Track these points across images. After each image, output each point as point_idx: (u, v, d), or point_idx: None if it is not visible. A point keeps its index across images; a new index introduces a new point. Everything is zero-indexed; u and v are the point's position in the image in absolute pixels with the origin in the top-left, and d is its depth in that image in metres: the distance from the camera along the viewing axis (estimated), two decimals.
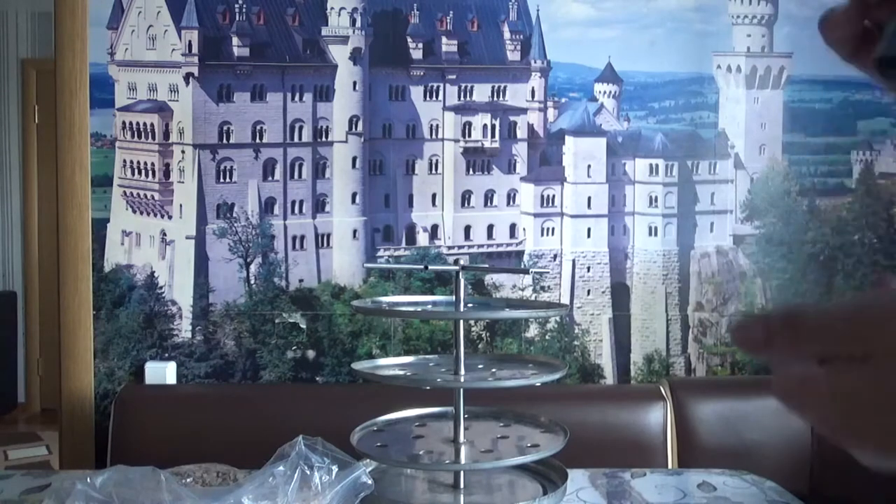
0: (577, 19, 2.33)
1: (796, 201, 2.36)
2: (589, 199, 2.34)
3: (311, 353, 2.28)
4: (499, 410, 1.47)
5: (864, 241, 2.36)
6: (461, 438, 1.33)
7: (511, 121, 2.33)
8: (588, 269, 2.34)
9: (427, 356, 1.67)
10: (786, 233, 2.36)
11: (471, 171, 2.34)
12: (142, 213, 2.28)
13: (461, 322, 1.34)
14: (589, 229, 2.34)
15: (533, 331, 2.33)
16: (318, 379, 2.28)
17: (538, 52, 2.32)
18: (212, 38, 2.26)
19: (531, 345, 2.33)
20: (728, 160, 2.36)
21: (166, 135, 2.26)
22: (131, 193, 2.27)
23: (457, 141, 2.33)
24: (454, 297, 1.36)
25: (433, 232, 2.33)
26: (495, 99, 2.33)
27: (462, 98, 2.32)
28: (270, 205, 2.29)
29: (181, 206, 2.27)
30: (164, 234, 2.27)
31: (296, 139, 2.29)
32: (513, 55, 2.33)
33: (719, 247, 2.36)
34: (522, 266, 2.33)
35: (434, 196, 2.33)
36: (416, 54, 2.31)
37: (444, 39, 2.32)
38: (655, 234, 2.35)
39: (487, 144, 2.33)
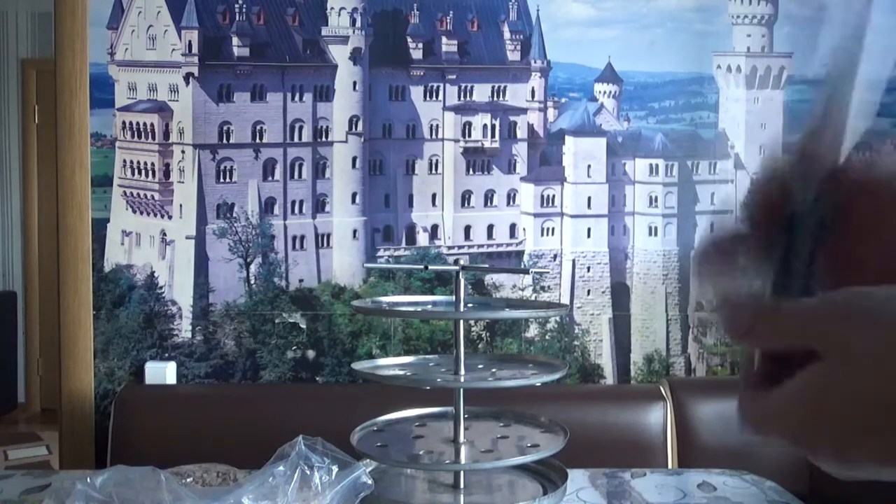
0: (577, 19, 2.33)
1: None
2: (589, 199, 2.34)
3: (311, 353, 2.28)
4: (499, 410, 1.47)
5: None
6: (461, 438, 1.33)
7: (511, 121, 2.33)
8: (588, 269, 2.34)
9: (427, 356, 1.67)
10: None
11: (471, 171, 2.34)
12: (142, 213, 2.28)
13: (461, 322, 1.34)
14: (589, 229, 2.34)
15: (533, 331, 2.33)
16: (318, 379, 2.28)
17: (538, 52, 2.32)
18: (212, 38, 2.26)
19: (531, 345, 2.33)
20: (728, 160, 2.36)
21: (166, 135, 2.26)
22: (131, 193, 2.27)
23: (457, 141, 2.33)
24: (454, 297, 1.36)
25: (433, 232, 2.33)
26: (495, 99, 2.33)
27: (462, 98, 2.32)
28: (270, 205, 2.29)
29: (181, 206, 2.27)
30: (164, 234, 2.27)
31: (296, 139, 2.29)
32: (513, 55, 2.33)
33: None
34: (522, 266, 2.33)
35: (434, 196, 2.33)
36: (416, 54, 2.31)
37: (444, 39, 2.32)
38: (655, 234, 2.35)
39: (487, 144, 2.33)
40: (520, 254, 2.34)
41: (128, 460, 1.18)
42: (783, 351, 0.44)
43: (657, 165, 2.35)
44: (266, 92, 2.28)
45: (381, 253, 2.31)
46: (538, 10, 2.32)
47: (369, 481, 1.17)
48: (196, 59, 2.24)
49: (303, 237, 2.30)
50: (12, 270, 5.50)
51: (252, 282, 2.27)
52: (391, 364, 1.47)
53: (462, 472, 1.35)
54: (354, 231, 2.31)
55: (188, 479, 1.29)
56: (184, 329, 2.26)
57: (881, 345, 0.40)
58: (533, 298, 2.31)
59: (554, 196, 2.34)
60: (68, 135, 2.20)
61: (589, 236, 2.34)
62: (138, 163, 2.27)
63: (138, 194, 2.28)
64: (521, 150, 2.34)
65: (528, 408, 1.47)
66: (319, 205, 2.30)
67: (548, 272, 2.33)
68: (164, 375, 2.21)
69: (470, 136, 2.33)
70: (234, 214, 2.28)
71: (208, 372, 2.26)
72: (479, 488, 1.37)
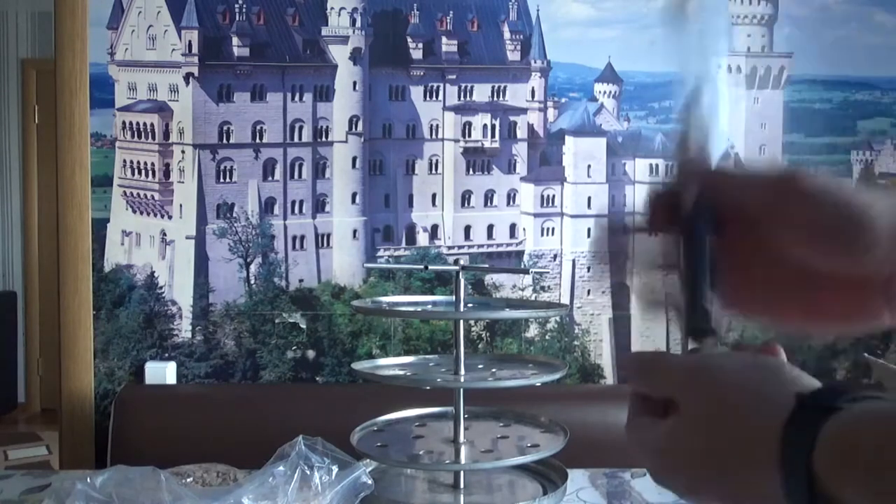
0: (577, 19, 2.33)
1: None
2: (589, 199, 2.34)
3: (311, 353, 2.28)
4: (499, 410, 1.47)
5: None
6: (461, 438, 1.33)
7: (511, 121, 2.33)
8: (588, 268, 2.34)
9: (427, 356, 1.67)
10: None
11: (471, 171, 2.34)
12: (142, 213, 2.28)
13: (461, 322, 1.34)
14: (589, 229, 2.34)
15: (533, 331, 2.33)
16: (318, 379, 2.28)
17: (538, 52, 2.32)
18: (212, 38, 2.26)
19: (531, 345, 2.33)
20: (728, 160, 2.36)
21: (166, 135, 2.26)
22: (131, 193, 2.27)
23: (457, 141, 2.33)
24: (454, 297, 1.36)
25: (433, 232, 2.33)
26: (495, 99, 2.33)
27: (462, 98, 2.32)
28: (270, 205, 2.29)
29: (181, 206, 2.27)
30: (164, 234, 2.27)
31: (296, 139, 2.29)
32: (513, 55, 2.33)
33: None
34: (522, 266, 2.33)
35: (434, 196, 2.33)
36: (416, 54, 2.31)
37: (444, 39, 2.32)
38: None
39: (487, 144, 2.33)
40: (520, 254, 2.34)
41: (128, 460, 1.18)
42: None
43: (657, 165, 2.35)
44: (266, 92, 2.28)
45: (381, 253, 2.31)
46: (538, 10, 2.32)
47: (369, 481, 1.17)
48: (196, 59, 2.24)
49: (303, 237, 2.30)
50: (12, 270, 5.50)
51: (252, 282, 2.28)
52: (391, 364, 1.47)
53: (462, 472, 1.35)
54: (354, 231, 2.31)
55: (188, 479, 1.29)
56: (184, 329, 2.26)
57: (713, 407, 0.48)
58: (533, 298, 2.31)
59: (554, 196, 2.34)
60: (68, 135, 2.20)
61: (589, 236, 2.34)
62: (138, 163, 2.27)
63: (138, 194, 2.28)
64: (521, 150, 2.34)
65: (528, 408, 1.47)
66: (319, 205, 2.30)
67: (548, 272, 2.33)
68: (164, 375, 2.21)
69: (470, 136, 2.33)
70: (234, 214, 2.28)
71: (208, 372, 2.26)
72: (479, 488, 1.37)
